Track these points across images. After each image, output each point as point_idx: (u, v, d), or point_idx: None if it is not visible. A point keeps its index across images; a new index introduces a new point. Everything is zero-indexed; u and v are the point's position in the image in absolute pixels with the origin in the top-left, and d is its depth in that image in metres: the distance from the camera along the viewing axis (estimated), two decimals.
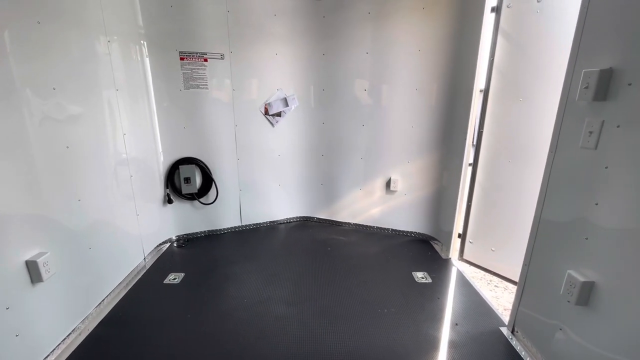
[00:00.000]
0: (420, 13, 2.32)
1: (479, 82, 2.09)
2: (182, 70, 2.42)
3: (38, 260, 1.35)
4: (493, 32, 1.98)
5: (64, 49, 1.61)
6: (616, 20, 1.09)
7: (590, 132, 1.18)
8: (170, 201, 2.58)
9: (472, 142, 2.21)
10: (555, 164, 1.37)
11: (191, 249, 2.57)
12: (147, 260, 2.36)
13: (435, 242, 2.67)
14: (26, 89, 1.39)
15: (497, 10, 1.94)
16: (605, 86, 1.12)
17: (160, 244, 2.58)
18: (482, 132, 2.15)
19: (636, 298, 1.00)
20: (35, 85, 1.43)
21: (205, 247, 2.60)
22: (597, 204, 1.16)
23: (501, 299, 2.52)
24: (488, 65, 2.03)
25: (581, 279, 1.19)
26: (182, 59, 2.41)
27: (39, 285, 1.40)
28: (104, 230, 1.89)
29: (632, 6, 1.03)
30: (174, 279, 2.15)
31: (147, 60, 2.30)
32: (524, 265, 1.55)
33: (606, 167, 1.12)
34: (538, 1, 1.77)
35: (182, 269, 2.26)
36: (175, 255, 2.49)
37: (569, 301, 1.25)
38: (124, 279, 2.08)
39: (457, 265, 2.32)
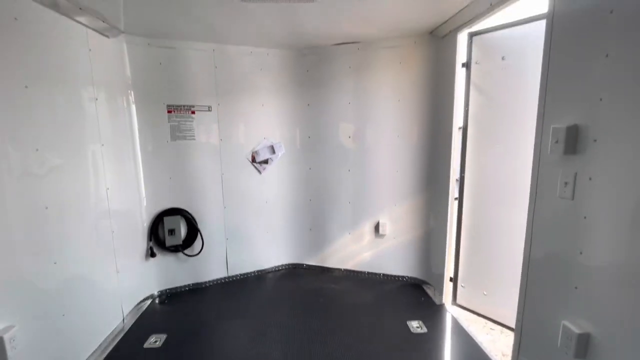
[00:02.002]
0: (398, 67, 2.49)
1: (457, 136, 2.20)
2: (169, 122, 2.46)
3: (4, 336, 1.24)
4: (465, 85, 2.13)
5: (50, 109, 1.61)
6: (574, 83, 1.20)
7: (566, 183, 1.24)
8: (153, 255, 2.47)
9: (456, 180, 2.28)
10: (537, 211, 1.42)
11: (174, 306, 2.43)
12: (126, 321, 2.20)
13: (428, 286, 2.62)
14: (8, 148, 1.36)
15: (467, 65, 2.11)
16: (573, 141, 1.20)
17: (141, 302, 2.43)
18: (463, 176, 2.23)
19: (633, 349, 0.99)
20: (18, 148, 1.42)
21: (189, 303, 2.46)
22: (581, 253, 1.19)
23: (498, 343, 2.45)
24: (464, 115, 2.16)
25: (577, 330, 1.18)
26: (169, 111, 2.45)
27: None
28: (80, 292, 1.78)
29: (585, 75, 1.14)
30: (155, 341, 2.00)
31: (134, 113, 2.32)
32: (519, 313, 1.53)
33: (585, 217, 1.17)
34: (503, 59, 1.94)
35: (164, 329, 2.12)
36: (156, 313, 2.34)
37: (567, 354, 1.22)
38: (100, 345, 1.91)
39: (451, 312, 2.27)
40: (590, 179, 1.14)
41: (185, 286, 2.65)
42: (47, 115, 1.60)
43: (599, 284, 1.11)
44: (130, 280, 2.26)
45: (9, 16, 1.40)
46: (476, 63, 2.07)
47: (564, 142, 1.21)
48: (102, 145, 2.00)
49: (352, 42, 2.56)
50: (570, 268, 1.23)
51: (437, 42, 2.32)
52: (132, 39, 2.24)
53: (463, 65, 2.11)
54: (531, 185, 1.45)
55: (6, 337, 1.24)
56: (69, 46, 1.76)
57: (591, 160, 1.14)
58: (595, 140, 1.12)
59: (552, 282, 1.32)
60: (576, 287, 1.21)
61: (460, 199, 2.27)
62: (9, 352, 1.26)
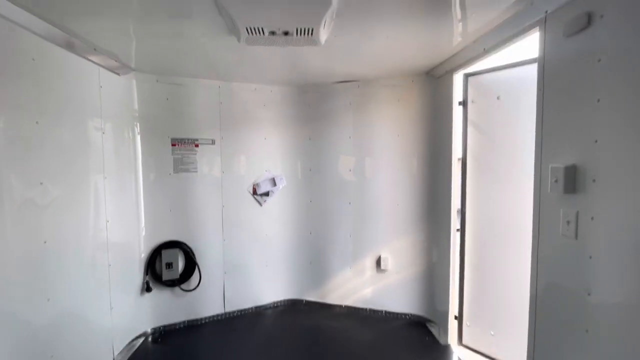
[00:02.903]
0: (397, 104, 2.58)
1: (456, 167, 2.24)
2: (172, 155, 2.50)
3: None
4: (463, 122, 2.19)
5: (57, 143, 1.65)
6: (569, 125, 1.24)
7: (568, 222, 1.24)
8: (148, 289, 2.40)
9: (457, 211, 2.27)
10: (541, 249, 1.41)
11: (168, 345, 2.32)
12: None
13: (432, 324, 2.53)
14: (12, 181, 1.37)
15: (464, 104, 2.18)
16: (572, 180, 1.21)
17: (134, 340, 2.32)
18: (464, 211, 2.23)
19: None
20: (23, 181, 1.43)
21: (184, 342, 2.35)
22: (589, 294, 1.16)
23: None
24: (462, 149, 2.20)
25: None
26: (173, 144, 2.50)
27: None
28: (71, 330, 1.70)
29: (579, 118, 1.18)
30: None
31: (139, 145, 2.37)
32: (528, 357, 1.46)
33: (590, 257, 1.16)
34: (498, 98, 2.02)
35: None
36: (149, 353, 2.23)
37: None
38: None
39: (457, 353, 2.17)
40: (592, 218, 1.15)
41: (180, 323, 2.55)
42: (55, 149, 1.63)
43: (612, 327, 1.08)
44: (123, 317, 2.18)
45: (28, 57, 1.47)
46: (472, 102, 2.15)
47: (563, 181, 1.23)
48: (105, 177, 2.02)
49: (352, 81, 2.67)
50: (580, 310, 1.20)
51: (434, 81, 2.43)
52: (141, 76, 2.34)
53: (460, 103, 2.19)
54: (533, 222, 1.45)
55: None
56: (81, 83, 1.84)
57: (592, 199, 1.15)
58: (594, 180, 1.14)
59: (563, 324, 1.28)
60: (587, 330, 1.17)
61: (462, 232, 2.25)
62: None
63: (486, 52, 1.77)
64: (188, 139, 2.54)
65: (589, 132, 1.15)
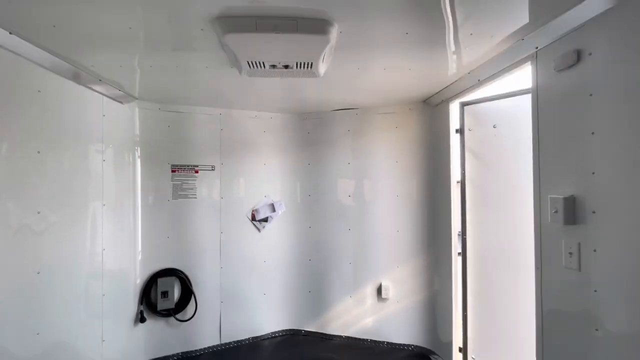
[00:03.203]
0: (395, 130, 2.62)
1: (456, 192, 2.24)
2: (172, 181, 2.50)
3: None
4: (460, 150, 2.21)
5: (57, 172, 1.65)
6: (566, 156, 1.25)
7: (570, 254, 1.23)
8: (142, 320, 2.32)
9: (458, 234, 2.25)
10: (545, 281, 1.38)
11: None
12: None
13: (436, 357, 2.43)
14: (9, 208, 1.36)
15: (461, 131, 2.22)
16: (572, 211, 1.21)
17: None
18: (465, 239, 2.20)
19: None
20: (20, 209, 1.42)
21: None
22: (597, 330, 1.13)
23: None
24: (461, 176, 2.21)
25: None
26: (173, 171, 2.51)
27: None
28: None
29: (575, 150, 1.20)
30: None
31: (138, 171, 2.37)
32: None
33: (595, 291, 1.13)
34: (494, 127, 2.06)
35: None
36: None
37: None
38: None
39: None
40: (595, 250, 1.13)
41: (174, 355, 2.45)
42: (54, 177, 1.63)
43: None
44: (115, 350, 2.09)
45: (33, 89, 1.50)
46: (469, 130, 2.18)
47: (563, 212, 1.22)
48: (104, 205, 2.01)
49: (351, 108, 2.72)
50: (588, 347, 1.16)
51: (430, 109, 2.48)
52: (144, 105, 2.38)
53: (457, 131, 2.23)
54: (535, 253, 1.43)
55: None
56: (84, 113, 1.87)
57: (593, 231, 1.14)
58: (594, 212, 1.14)
59: (570, 359, 1.24)
60: None
61: (463, 258, 2.21)
62: None
63: (481, 83, 1.82)
64: (188, 165, 2.55)
65: (586, 163, 1.16)
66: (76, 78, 1.74)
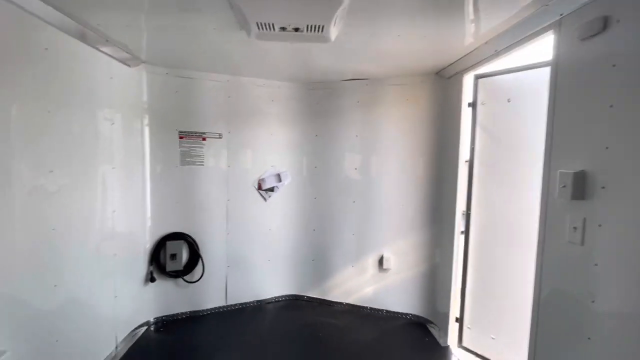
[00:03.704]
0: (405, 103, 2.56)
1: (463, 166, 2.22)
2: (180, 148, 2.51)
3: None
4: (472, 123, 2.17)
5: (68, 132, 1.67)
6: (580, 131, 1.22)
7: (575, 228, 1.23)
8: (152, 279, 2.43)
9: (462, 213, 2.26)
10: (546, 255, 1.39)
11: (170, 334, 2.35)
12: (119, 348, 2.13)
13: (432, 325, 2.53)
14: (23, 169, 1.40)
15: (473, 105, 2.16)
16: (581, 187, 1.20)
17: (136, 328, 2.36)
18: (469, 213, 2.21)
19: None
20: (33, 169, 1.45)
21: (186, 332, 2.38)
22: (593, 302, 1.15)
23: None
24: (470, 152, 2.18)
25: None
26: (181, 137, 2.52)
27: None
28: (76, 318, 1.74)
29: (591, 124, 1.17)
30: None
31: (147, 137, 2.39)
32: None
33: (596, 264, 1.14)
34: (508, 101, 2.00)
35: (158, 359, 2.04)
36: (151, 342, 2.26)
37: None
38: None
39: (457, 355, 2.17)
40: (600, 225, 1.13)
41: (182, 314, 2.58)
42: (65, 138, 1.65)
43: (615, 336, 1.07)
44: (127, 306, 2.22)
45: (41, 46, 1.49)
46: (482, 104, 2.12)
47: (572, 187, 1.21)
48: (114, 168, 2.05)
49: (361, 79, 2.65)
50: (583, 317, 1.19)
51: (443, 82, 2.41)
52: (151, 69, 2.35)
53: (469, 105, 2.17)
54: (539, 228, 1.43)
55: None
56: (92, 74, 1.85)
57: (600, 207, 1.13)
58: (603, 187, 1.12)
59: (564, 330, 1.27)
60: (589, 338, 1.16)
61: (466, 234, 2.24)
62: None
63: (498, 54, 1.75)
64: (196, 132, 2.55)
65: (600, 138, 1.13)
66: (83, 38, 1.71)
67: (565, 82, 1.30)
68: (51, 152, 1.56)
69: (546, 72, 1.43)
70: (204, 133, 2.58)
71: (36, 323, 1.48)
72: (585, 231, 1.18)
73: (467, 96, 2.18)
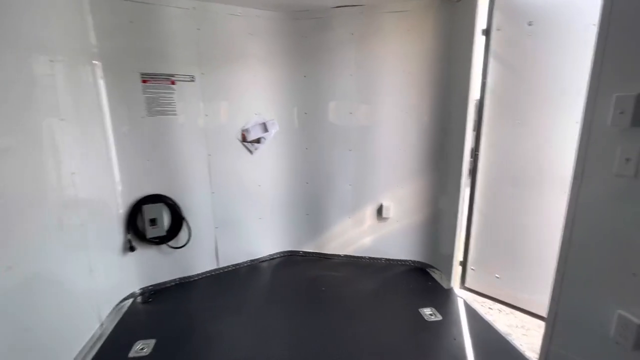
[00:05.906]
0: (406, 35, 2.26)
1: (473, 104, 2.04)
2: (144, 94, 2.08)
3: None
4: (484, 55, 1.95)
5: None
6: None
7: (627, 159, 1.11)
8: (132, 248, 2.15)
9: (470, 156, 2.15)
10: (583, 192, 1.29)
11: (160, 305, 2.15)
12: (104, 325, 1.90)
13: (433, 270, 2.53)
14: None
15: (487, 32, 1.92)
16: None
17: (121, 302, 2.13)
18: (477, 154, 2.08)
19: None
20: None
21: (177, 300, 2.19)
22: None
23: (499, 323, 2.42)
24: (481, 87, 1.99)
25: (636, 321, 1.08)
26: (144, 81, 2.07)
27: None
28: (43, 297, 1.46)
29: None
30: (142, 348, 1.74)
31: (101, 84, 1.93)
32: (553, 299, 1.42)
33: None
34: (529, 24, 1.77)
35: (151, 333, 1.85)
36: (140, 314, 2.06)
37: (617, 343, 1.13)
38: (75, 358, 1.62)
39: (462, 296, 2.19)
40: None
41: (171, 281, 2.37)
42: None
43: None
44: (106, 279, 1.95)
45: None
46: (498, 30, 1.88)
47: (632, 113, 1.06)
48: (62, 119, 1.63)
49: (355, 5, 2.27)
50: (628, 253, 1.12)
51: (451, 6, 2.11)
52: None
53: (483, 32, 1.92)
54: (577, 163, 1.30)
55: None
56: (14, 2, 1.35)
57: None
58: None
59: (603, 267, 1.21)
60: (634, 274, 1.10)
61: (473, 179, 2.14)
62: None
63: None
64: (162, 75, 2.11)
65: None
66: None
67: None
68: None
69: None
70: (172, 75, 2.15)
71: None
72: None
73: (480, 22, 1.92)
